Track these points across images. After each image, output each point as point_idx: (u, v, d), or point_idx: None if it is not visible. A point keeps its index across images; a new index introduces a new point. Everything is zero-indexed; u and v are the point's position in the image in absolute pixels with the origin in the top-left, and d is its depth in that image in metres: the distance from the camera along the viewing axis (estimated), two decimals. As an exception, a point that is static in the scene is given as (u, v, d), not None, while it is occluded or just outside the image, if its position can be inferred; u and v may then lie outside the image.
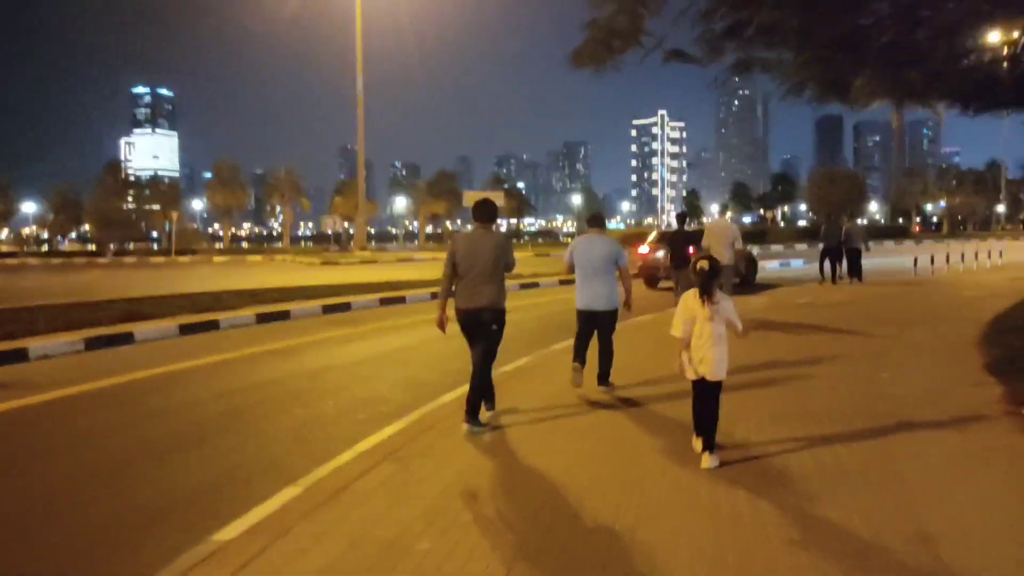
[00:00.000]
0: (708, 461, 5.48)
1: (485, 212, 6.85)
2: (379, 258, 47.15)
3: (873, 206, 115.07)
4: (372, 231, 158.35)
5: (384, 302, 19.25)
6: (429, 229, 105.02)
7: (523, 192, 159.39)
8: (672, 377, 6.89)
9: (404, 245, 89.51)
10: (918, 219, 79.18)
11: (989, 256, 29.31)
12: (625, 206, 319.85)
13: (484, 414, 6.80)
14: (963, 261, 27.07)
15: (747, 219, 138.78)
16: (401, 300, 19.70)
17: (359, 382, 9.61)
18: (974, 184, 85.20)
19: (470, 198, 60.22)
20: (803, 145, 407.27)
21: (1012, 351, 9.32)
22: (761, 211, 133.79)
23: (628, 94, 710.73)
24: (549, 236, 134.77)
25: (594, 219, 8.46)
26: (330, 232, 66.12)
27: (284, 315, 16.53)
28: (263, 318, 16.00)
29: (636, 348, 10.71)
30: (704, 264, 5.50)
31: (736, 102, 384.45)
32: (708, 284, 5.48)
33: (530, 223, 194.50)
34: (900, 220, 73.32)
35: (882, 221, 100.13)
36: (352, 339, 13.57)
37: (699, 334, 5.52)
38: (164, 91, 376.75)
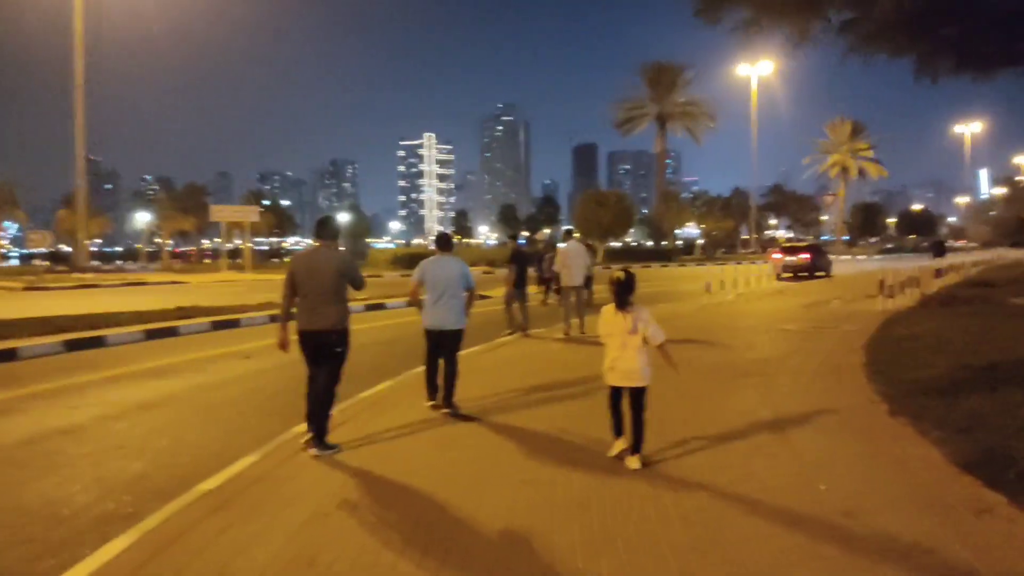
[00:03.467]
0: (636, 462, 5.84)
1: (326, 229, 6.76)
2: (103, 281, 39.78)
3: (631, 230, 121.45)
4: (119, 249, 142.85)
5: (72, 345, 14.15)
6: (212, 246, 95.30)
7: (287, 210, 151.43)
8: (526, 390, 8.88)
9: (146, 265, 79.54)
10: (679, 242, 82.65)
11: (759, 280, 29.05)
12: (394, 226, 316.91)
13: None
14: (747, 285, 26.27)
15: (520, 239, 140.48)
16: (98, 343, 14.65)
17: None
18: (722, 209, 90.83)
19: (216, 213, 54.86)
20: (562, 171, 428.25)
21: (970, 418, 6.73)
22: (526, 233, 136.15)
23: (394, 114, 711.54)
24: None
25: (442, 241, 8.40)
26: (45, 250, 56.42)
27: None
28: None
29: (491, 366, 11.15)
30: (620, 275, 5.88)
31: (499, 127, 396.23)
32: (624, 295, 5.84)
33: (295, 241, 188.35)
34: (663, 243, 75.76)
35: (647, 244, 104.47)
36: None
37: (622, 345, 5.86)
38: None
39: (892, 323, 14.38)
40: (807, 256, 33.99)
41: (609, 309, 5.89)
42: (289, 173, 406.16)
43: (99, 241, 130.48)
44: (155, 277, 45.77)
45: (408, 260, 50.81)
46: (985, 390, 7.56)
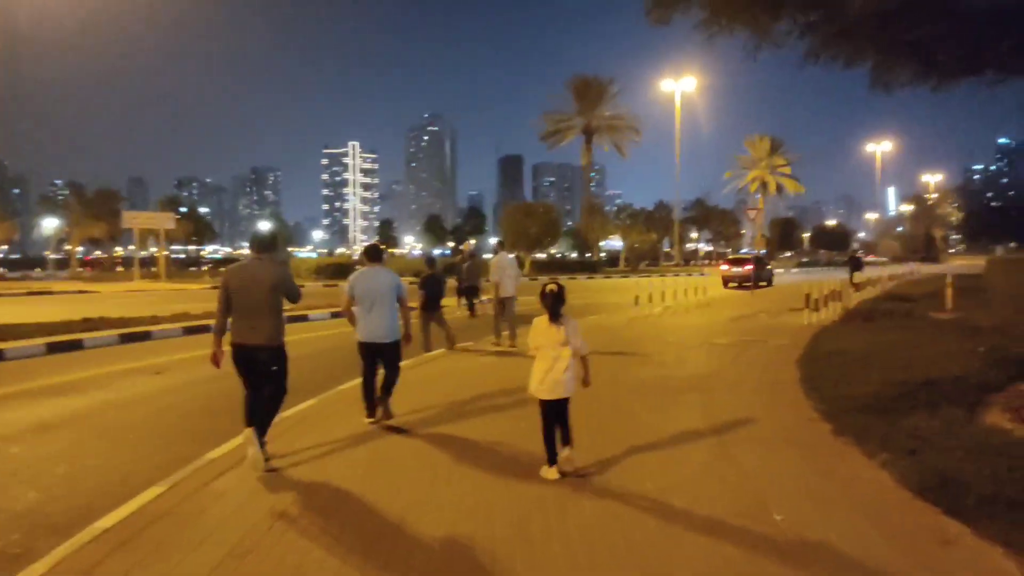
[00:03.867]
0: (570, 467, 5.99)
1: (261, 242, 6.69)
2: (6, 290, 37.67)
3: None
4: (19, 257, 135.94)
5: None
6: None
7: (205, 217, 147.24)
8: (457, 403, 8.94)
9: (54, 273, 75.82)
10: (603, 254, 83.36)
11: (686, 293, 29.21)
12: (317, 235, 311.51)
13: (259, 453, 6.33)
14: (674, 298, 26.38)
15: (438, 251, 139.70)
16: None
17: None
18: (646, 223, 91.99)
19: (130, 220, 52.70)
20: (488, 181, 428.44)
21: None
22: (452, 243, 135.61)
23: (319, 122, 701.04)
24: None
25: (372, 252, 8.21)
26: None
27: None
28: None
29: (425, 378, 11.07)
30: (553, 287, 5.88)
31: (425, 137, 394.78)
32: (557, 307, 5.86)
33: (213, 250, 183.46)
34: (588, 255, 76.21)
35: (572, 256, 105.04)
36: None
37: (554, 356, 5.84)
38: None
39: (821, 337, 14.48)
40: (750, 267, 37.21)
41: (542, 321, 5.90)
42: (208, 180, 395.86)
43: (4, 248, 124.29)
44: (62, 286, 43.56)
45: (331, 270, 49.65)
46: (924, 408, 7.49)
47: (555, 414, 5.94)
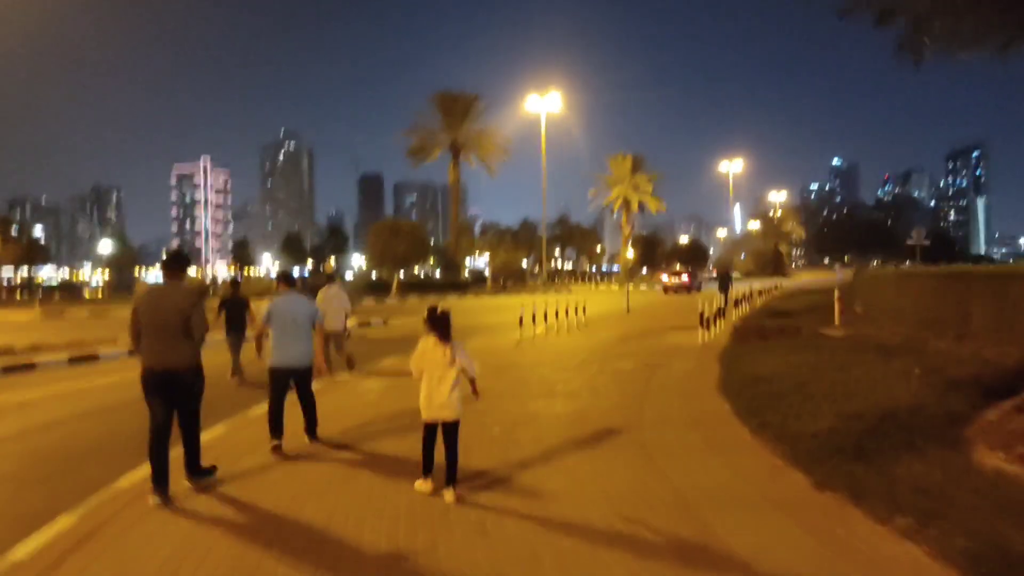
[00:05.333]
0: (452, 495, 5.80)
1: (171, 264, 6.57)
2: None
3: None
4: None
5: None
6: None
7: (39, 239, 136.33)
8: (370, 423, 9.01)
9: None
10: (467, 274, 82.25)
11: (567, 313, 28.30)
12: (165, 256, 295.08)
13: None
14: (556, 319, 25.28)
15: (296, 270, 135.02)
16: None
17: None
18: (512, 241, 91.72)
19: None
20: (347, 200, 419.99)
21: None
22: (311, 262, 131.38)
23: (168, 139, 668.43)
24: (70, 291, 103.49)
25: (287, 278, 8.36)
26: None
27: None
28: None
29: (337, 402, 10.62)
30: (442, 308, 5.94)
31: (281, 155, 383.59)
32: (446, 328, 5.87)
33: (50, 273, 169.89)
34: (454, 274, 74.82)
35: (435, 275, 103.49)
36: None
37: (440, 378, 5.83)
38: None
39: (727, 359, 13.59)
40: (687, 278, 48.45)
41: (428, 342, 5.91)
42: (43, 199, 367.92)
43: None
44: None
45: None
46: (903, 448, 6.48)
47: (443, 437, 5.93)
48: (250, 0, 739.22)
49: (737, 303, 27.79)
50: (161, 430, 6.16)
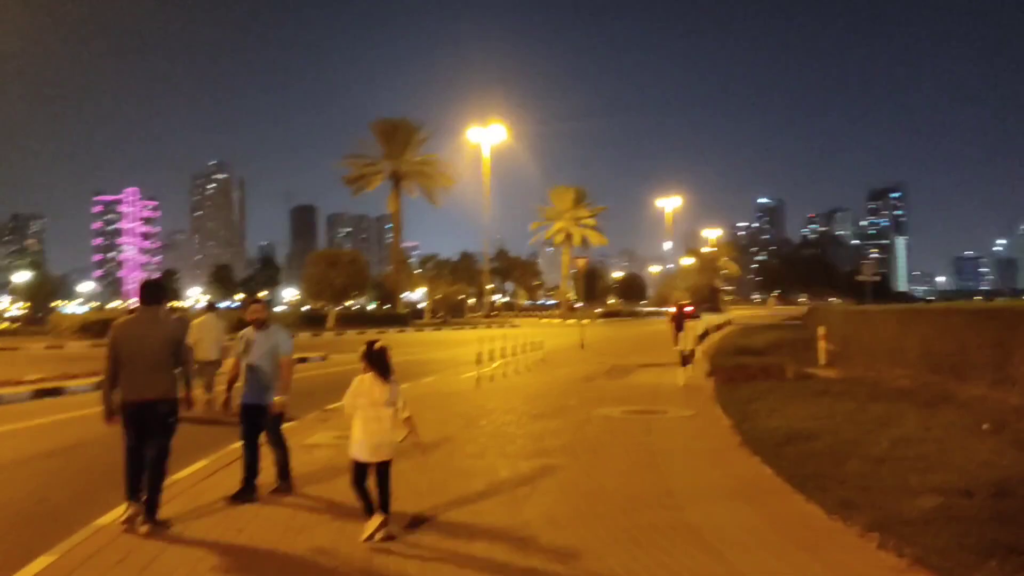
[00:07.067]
0: (382, 532, 5.63)
1: (149, 293, 6.47)
2: None
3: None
4: None
5: None
6: None
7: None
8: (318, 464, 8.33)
9: None
10: (421, 306, 79.88)
11: (524, 349, 26.51)
12: (87, 286, 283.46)
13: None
14: (512, 354, 23.47)
15: (224, 303, 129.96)
16: None
17: None
18: (452, 273, 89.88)
19: None
20: (279, 232, 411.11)
21: None
22: (242, 295, 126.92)
23: (91, 166, 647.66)
24: None
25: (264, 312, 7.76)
26: None
27: None
28: None
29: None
30: (382, 344, 5.79)
31: (211, 185, 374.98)
32: (386, 366, 5.73)
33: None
34: (388, 307, 72.33)
35: (371, 307, 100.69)
36: None
37: (376, 417, 5.65)
38: None
39: (735, 407, 11.85)
40: (691, 309, 47.64)
41: (365, 379, 5.75)
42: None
43: None
44: None
45: (101, 326, 41.75)
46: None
47: (375, 479, 5.74)
48: (179, 26, 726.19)
49: (702, 337, 26.45)
50: (135, 449, 6.14)
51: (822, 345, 18.67)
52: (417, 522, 6.06)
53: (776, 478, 7.40)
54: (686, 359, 16.36)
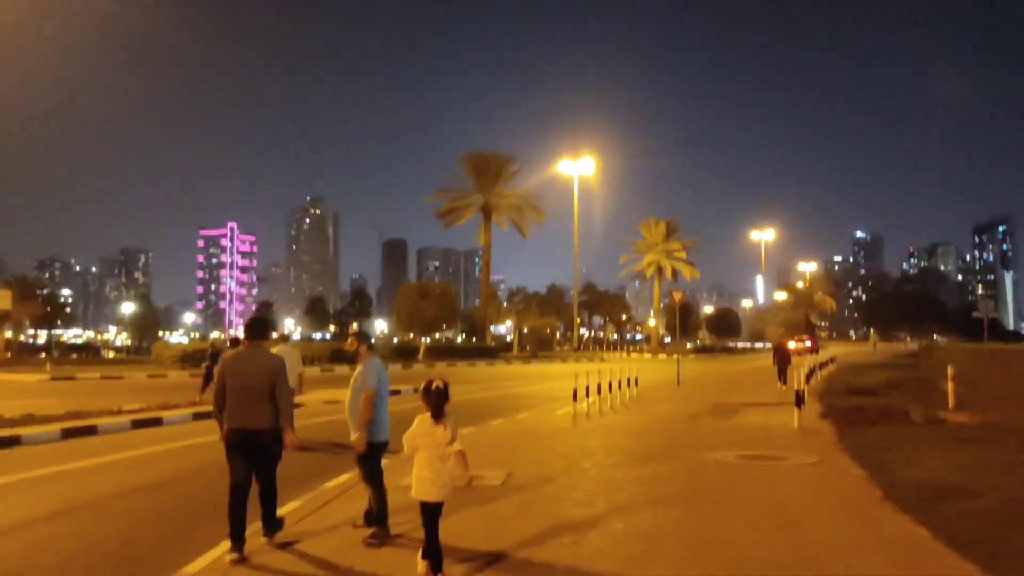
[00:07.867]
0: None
1: (253, 329, 6.76)
2: None
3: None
4: None
5: None
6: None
7: (61, 299, 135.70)
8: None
9: None
10: (511, 338, 79.61)
11: (620, 386, 25.58)
12: (190, 318, 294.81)
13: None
14: (609, 391, 22.63)
15: (317, 335, 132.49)
16: None
17: None
18: (539, 307, 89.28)
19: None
20: (371, 265, 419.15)
21: None
22: (333, 327, 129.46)
23: (195, 203, 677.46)
24: (88, 351, 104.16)
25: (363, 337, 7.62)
26: None
27: None
28: None
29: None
30: (439, 384, 5.61)
31: (308, 220, 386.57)
32: (442, 405, 5.57)
33: (75, 334, 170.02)
34: (476, 339, 72.17)
35: (459, 340, 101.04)
36: None
37: (440, 457, 5.50)
38: None
39: (866, 455, 10.76)
40: (810, 343, 56.83)
41: (425, 420, 5.59)
42: (73, 261, 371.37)
43: None
44: None
45: (201, 356, 42.76)
46: None
47: (426, 519, 5.53)
48: (278, 67, 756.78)
49: (808, 376, 24.97)
50: (240, 488, 6.33)
51: (951, 387, 17.16)
52: None
53: (934, 542, 6.41)
54: (800, 399, 15.20)
